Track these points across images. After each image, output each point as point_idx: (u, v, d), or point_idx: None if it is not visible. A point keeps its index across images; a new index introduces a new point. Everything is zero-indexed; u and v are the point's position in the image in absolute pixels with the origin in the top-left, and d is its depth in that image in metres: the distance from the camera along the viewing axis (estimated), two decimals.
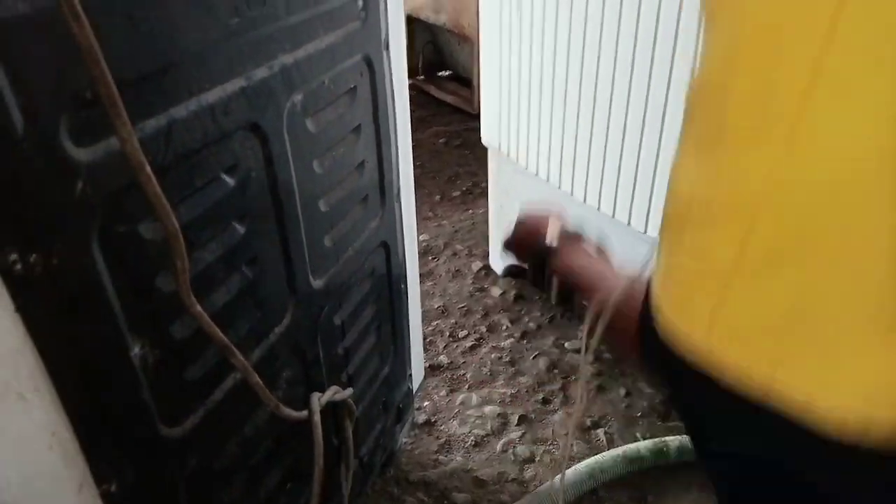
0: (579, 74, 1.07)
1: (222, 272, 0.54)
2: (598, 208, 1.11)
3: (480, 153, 1.57)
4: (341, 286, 0.74)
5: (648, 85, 0.96)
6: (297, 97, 0.60)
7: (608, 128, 1.05)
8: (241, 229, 0.55)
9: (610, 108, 1.04)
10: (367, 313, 0.84)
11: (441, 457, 1.07)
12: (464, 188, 1.86)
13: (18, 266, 0.36)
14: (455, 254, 1.57)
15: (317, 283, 0.68)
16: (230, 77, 0.51)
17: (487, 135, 1.34)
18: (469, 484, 1.02)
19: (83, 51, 0.32)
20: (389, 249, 0.86)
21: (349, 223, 0.74)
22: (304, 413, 0.63)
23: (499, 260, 1.48)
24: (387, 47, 0.75)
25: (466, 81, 2.47)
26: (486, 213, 1.48)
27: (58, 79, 0.37)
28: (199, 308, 0.43)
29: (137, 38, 0.42)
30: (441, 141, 2.14)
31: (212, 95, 0.49)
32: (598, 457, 1.01)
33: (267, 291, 0.60)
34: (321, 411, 0.65)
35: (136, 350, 0.45)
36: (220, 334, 0.46)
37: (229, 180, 0.53)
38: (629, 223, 1.06)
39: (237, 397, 0.57)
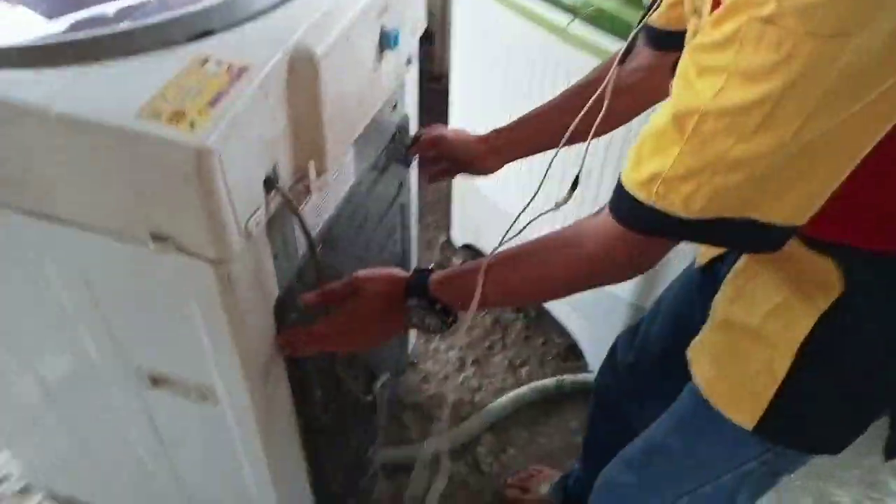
0: None
1: None
2: None
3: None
4: None
5: None
6: None
7: None
8: None
9: None
10: None
11: (423, 386, 1.67)
12: None
13: None
14: (427, 225, 2.09)
15: None
16: None
17: None
18: (441, 404, 1.63)
19: None
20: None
21: None
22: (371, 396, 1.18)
23: (458, 234, 2.01)
24: None
25: (428, 34, 2.81)
26: (451, 188, 1.95)
27: None
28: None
29: None
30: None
31: None
32: (521, 388, 1.63)
33: None
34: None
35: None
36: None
37: None
38: None
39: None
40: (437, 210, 2.14)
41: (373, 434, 1.32)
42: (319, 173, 0.75)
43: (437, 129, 1.12)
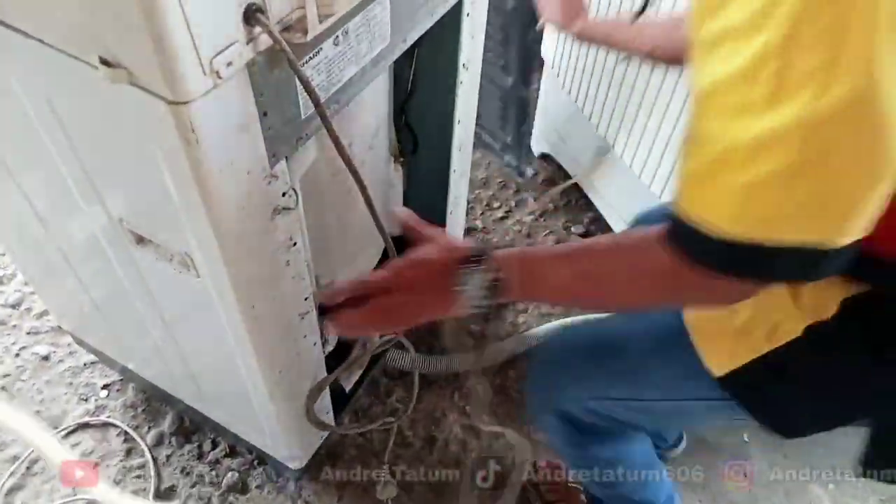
0: None
1: None
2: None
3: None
4: None
5: None
6: None
7: None
8: None
9: None
10: None
11: None
12: None
13: None
14: None
15: None
16: None
17: None
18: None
19: None
20: None
21: None
22: None
23: (536, 141, 1.82)
24: None
25: None
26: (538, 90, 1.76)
27: None
28: None
29: None
30: None
31: None
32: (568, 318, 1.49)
33: None
34: None
35: None
36: None
37: None
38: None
39: None
40: None
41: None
42: (324, 15, 0.60)
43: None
